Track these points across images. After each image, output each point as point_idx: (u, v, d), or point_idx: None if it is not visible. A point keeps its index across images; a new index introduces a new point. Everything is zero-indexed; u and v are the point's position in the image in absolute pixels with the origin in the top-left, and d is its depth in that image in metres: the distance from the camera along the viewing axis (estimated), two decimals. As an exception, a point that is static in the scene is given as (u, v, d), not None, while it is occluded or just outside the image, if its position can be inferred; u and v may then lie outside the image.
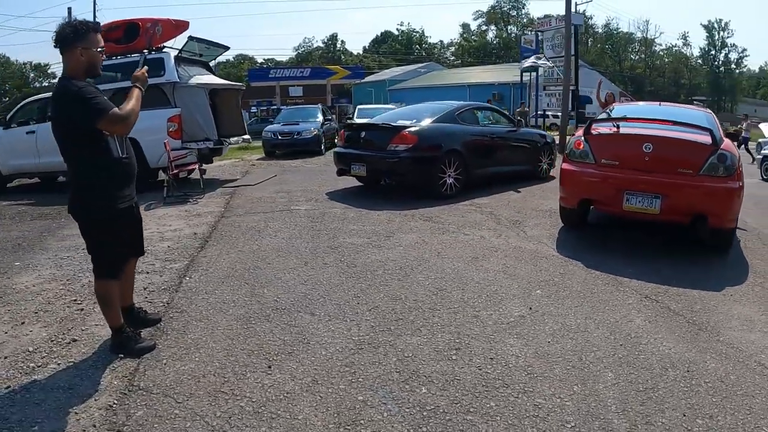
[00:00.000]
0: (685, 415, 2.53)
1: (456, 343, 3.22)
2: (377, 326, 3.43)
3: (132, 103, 2.84)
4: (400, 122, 7.97)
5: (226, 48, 8.52)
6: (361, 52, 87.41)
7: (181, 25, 7.96)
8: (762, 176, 12.28)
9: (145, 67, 3.23)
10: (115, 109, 2.73)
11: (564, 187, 5.71)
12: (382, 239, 5.53)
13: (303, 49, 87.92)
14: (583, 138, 5.51)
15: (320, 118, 16.02)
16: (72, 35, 2.73)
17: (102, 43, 2.85)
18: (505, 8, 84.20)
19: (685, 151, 5.03)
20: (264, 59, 66.62)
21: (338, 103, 31.45)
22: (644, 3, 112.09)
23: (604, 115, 5.97)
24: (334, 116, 20.77)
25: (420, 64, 67.40)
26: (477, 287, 4.18)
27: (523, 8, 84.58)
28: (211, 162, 9.94)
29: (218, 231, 5.82)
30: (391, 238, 5.59)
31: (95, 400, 2.56)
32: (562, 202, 5.90)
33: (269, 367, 2.87)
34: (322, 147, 15.06)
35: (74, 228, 6.13)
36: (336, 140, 18.10)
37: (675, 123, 5.28)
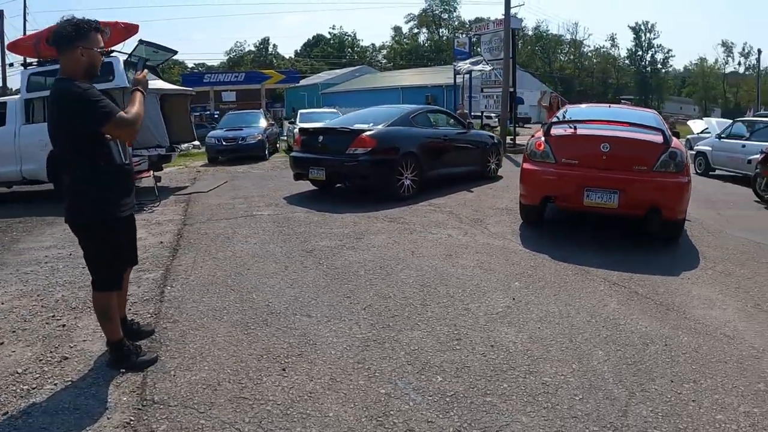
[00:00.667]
0: (672, 382, 2.81)
1: (455, 334, 3.35)
2: (376, 324, 3.50)
3: (136, 106, 2.76)
4: (358, 126, 8.05)
5: (175, 52, 8.28)
6: (293, 56, 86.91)
7: (131, 29, 7.63)
8: (696, 170, 13.20)
9: (146, 70, 3.15)
10: (122, 113, 2.65)
11: (526, 186, 5.98)
12: (354, 241, 5.59)
13: (235, 53, 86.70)
14: (543, 139, 5.81)
15: (263, 122, 15.80)
16: (74, 34, 2.62)
17: (102, 43, 2.76)
18: (437, 11, 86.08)
19: (640, 150, 5.44)
20: (195, 64, 64.72)
21: (272, 107, 31.03)
22: (573, 6, 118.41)
23: (559, 118, 6.30)
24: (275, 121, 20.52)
25: (353, 68, 67.66)
26: (459, 282, 4.33)
27: (455, 11, 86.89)
28: (161, 169, 9.62)
29: (185, 239, 5.67)
30: (362, 239, 5.66)
31: (108, 418, 2.46)
32: (523, 200, 6.17)
33: (283, 369, 2.88)
34: (267, 152, 14.86)
35: (31, 241, 5.88)
36: (278, 145, 18.01)
37: (630, 124, 5.68)
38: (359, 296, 4.00)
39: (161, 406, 2.53)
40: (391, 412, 2.48)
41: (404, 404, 2.55)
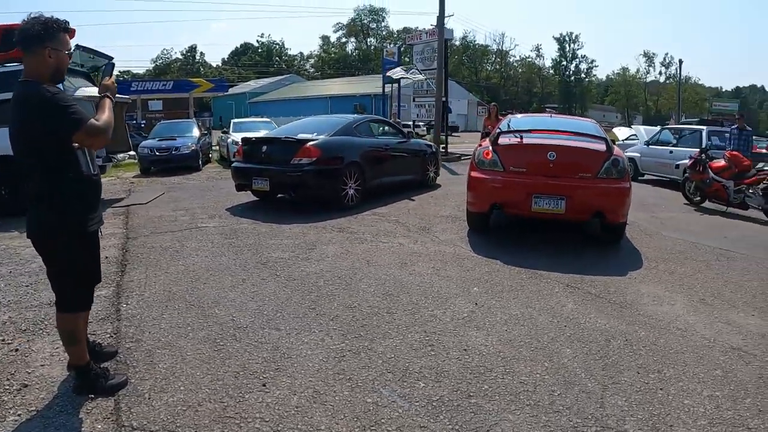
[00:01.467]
0: (639, 373, 3.04)
1: (427, 341, 3.41)
2: (347, 334, 3.50)
3: (107, 113, 2.62)
4: (302, 136, 8.01)
5: (111, 58, 7.83)
6: (220, 64, 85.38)
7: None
8: None
9: (114, 76, 2.99)
10: (93, 120, 2.50)
11: (475, 194, 6.15)
12: (307, 252, 5.55)
13: (161, 60, 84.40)
14: (491, 148, 6.01)
15: (197, 132, 15.31)
16: (43, 33, 2.46)
17: (70, 45, 2.61)
18: (365, 21, 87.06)
19: (585, 158, 5.76)
20: (120, 71, 61.70)
21: (201, 116, 30.18)
22: (500, 17, 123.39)
23: (502, 128, 6.54)
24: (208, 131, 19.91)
25: (281, 76, 67.14)
26: (419, 290, 4.40)
27: (383, 21, 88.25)
28: (96, 181, 9.09)
29: (132, 254, 5.40)
30: (314, 250, 5.62)
31: (83, 448, 2.32)
32: (471, 208, 6.34)
33: (264, 385, 2.82)
34: (200, 162, 14.42)
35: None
36: (210, 156, 17.51)
37: (573, 133, 6.00)
38: (324, 307, 3.99)
39: (142, 432, 2.41)
40: (383, 421, 2.50)
41: (393, 412, 2.58)
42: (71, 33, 2.71)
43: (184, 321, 3.68)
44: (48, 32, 2.48)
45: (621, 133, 19.56)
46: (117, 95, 7.95)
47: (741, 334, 3.66)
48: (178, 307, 3.94)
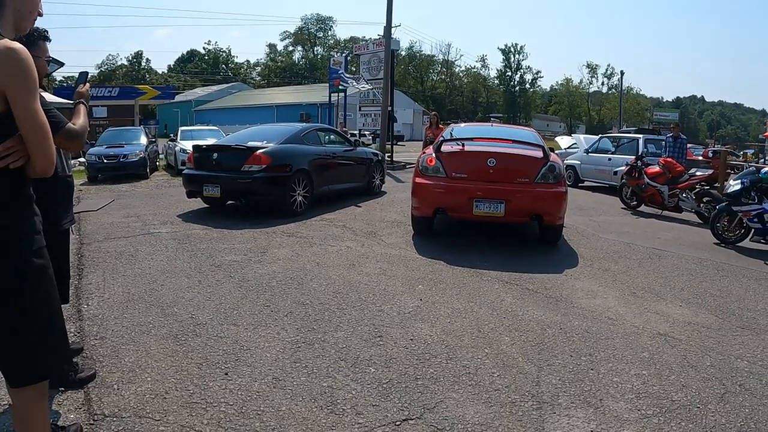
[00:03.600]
0: (572, 356, 3.43)
1: (376, 332, 3.72)
2: (301, 328, 3.76)
3: (82, 119, 2.78)
4: (252, 144, 8.21)
5: (62, 64, 7.71)
6: (166, 71, 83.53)
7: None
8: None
9: (88, 84, 3.15)
10: (71, 125, 2.67)
11: (419, 199, 6.52)
12: (259, 255, 5.75)
13: (106, 66, 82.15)
14: (434, 155, 6.40)
15: (144, 139, 15.12)
16: (25, 41, 2.62)
17: (49, 52, 2.77)
18: (312, 30, 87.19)
19: (523, 164, 6.22)
20: (63, 77, 59.18)
21: (146, 124, 29.56)
22: (447, 28, 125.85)
23: (445, 137, 6.95)
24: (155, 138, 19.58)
25: (227, 84, 66.34)
26: (367, 288, 4.71)
27: (330, 30, 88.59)
28: (43, 188, 8.93)
29: (87, 258, 5.45)
30: (266, 253, 5.84)
31: (59, 436, 2.47)
32: (416, 212, 6.71)
33: (226, 374, 3.04)
34: (148, 170, 14.26)
35: None
36: (157, 163, 17.27)
37: (512, 141, 6.46)
38: (278, 305, 4.22)
39: (115, 419, 2.58)
40: (338, 401, 2.78)
41: (347, 393, 2.86)
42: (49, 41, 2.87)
43: (145, 319, 3.84)
44: (29, 41, 2.64)
45: (563, 142, 20.35)
46: (68, 101, 7.98)
47: (668, 322, 4.12)
48: (138, 307, 4.08)
